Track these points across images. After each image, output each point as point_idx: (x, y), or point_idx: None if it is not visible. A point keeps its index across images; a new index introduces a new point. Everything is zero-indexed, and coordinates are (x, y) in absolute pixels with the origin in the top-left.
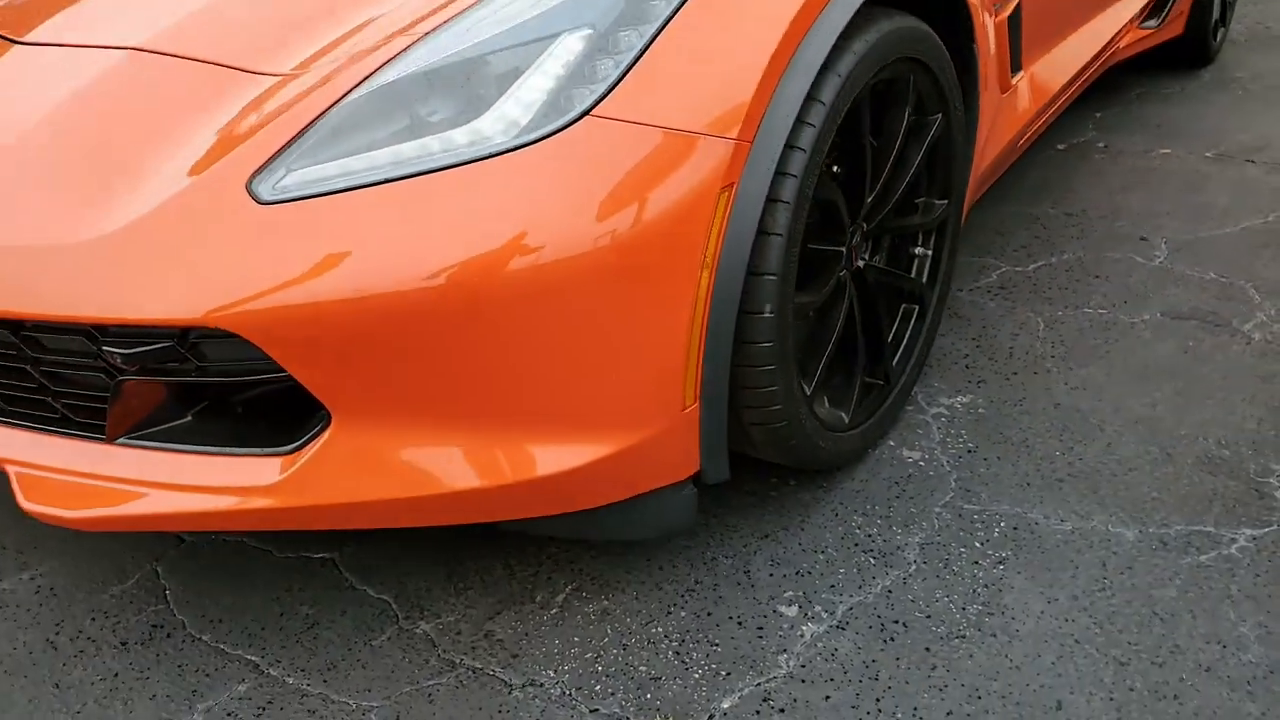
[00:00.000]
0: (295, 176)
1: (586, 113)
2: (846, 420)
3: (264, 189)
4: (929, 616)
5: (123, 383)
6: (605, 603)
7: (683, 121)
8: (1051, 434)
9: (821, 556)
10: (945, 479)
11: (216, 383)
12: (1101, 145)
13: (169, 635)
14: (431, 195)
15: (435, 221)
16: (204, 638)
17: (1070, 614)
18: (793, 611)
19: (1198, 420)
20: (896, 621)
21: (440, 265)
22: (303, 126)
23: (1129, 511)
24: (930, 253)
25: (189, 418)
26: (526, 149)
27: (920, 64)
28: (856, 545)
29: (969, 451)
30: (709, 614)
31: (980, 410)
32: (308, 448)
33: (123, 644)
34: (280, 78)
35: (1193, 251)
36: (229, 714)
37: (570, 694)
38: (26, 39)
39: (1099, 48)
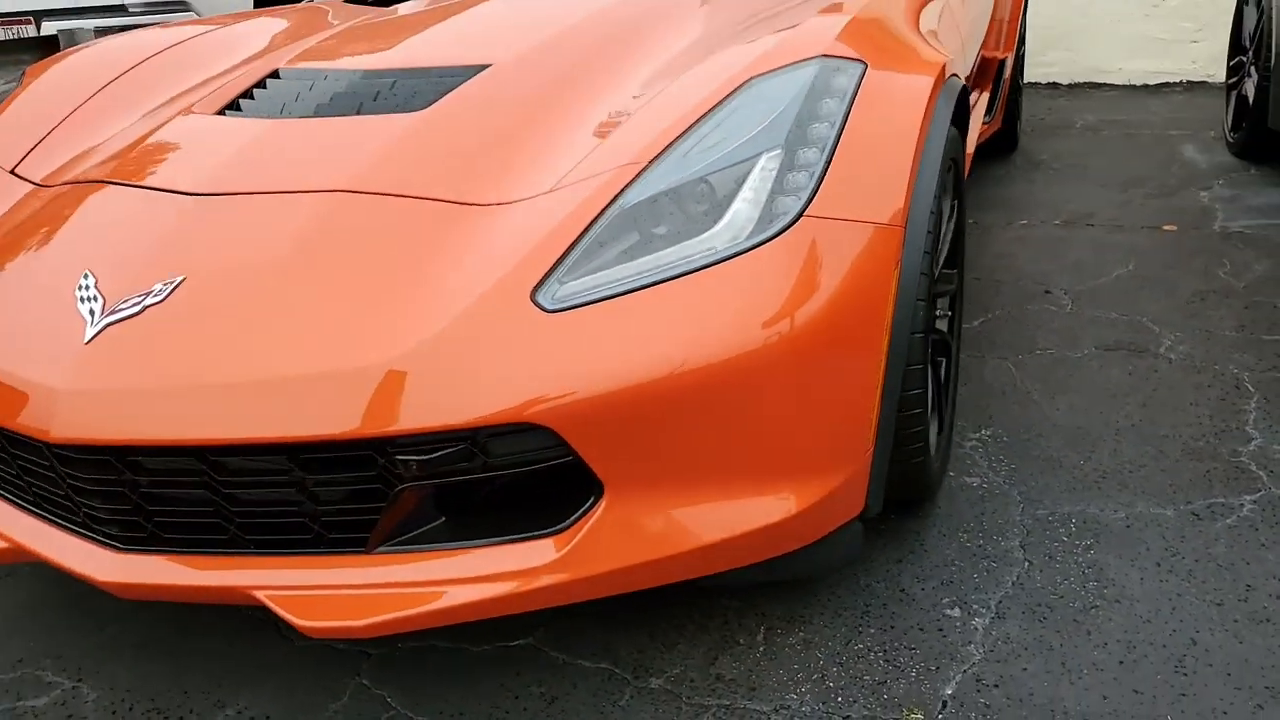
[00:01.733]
0: (569, 288)
1: (800, 214)
2: (934, 454)
3: (546, 300)
4: (1061, 597)
5: (402, 491)
6: (802, 634)
7: (868, 215)
8: (1067, 448)
9: (953, 568)
10: (1009, 494)
11: (486, 479)
12: (971, 222)
13: None
14: (687, 294)
15: (692, 315)
16: None
17: (1161, 576)
18: (957, 613)
19: (1169, 423)
20: (1040, 604)
21: (698, 350)
22: (567, 245)
23: (1157, 497)
24: (950, 313)
25: (442, 519)
26: (761, 248)
27: (956, 162)
28: (973, 555)
29: (1014, 470)
30: (893, 626)
31: (1004, 439)
32: (580, 524)
33: None
34: (498, 205)
35: (1090, 298)
36: None
37: (819, 708)
38: (200, 191)
39: (974, 145)
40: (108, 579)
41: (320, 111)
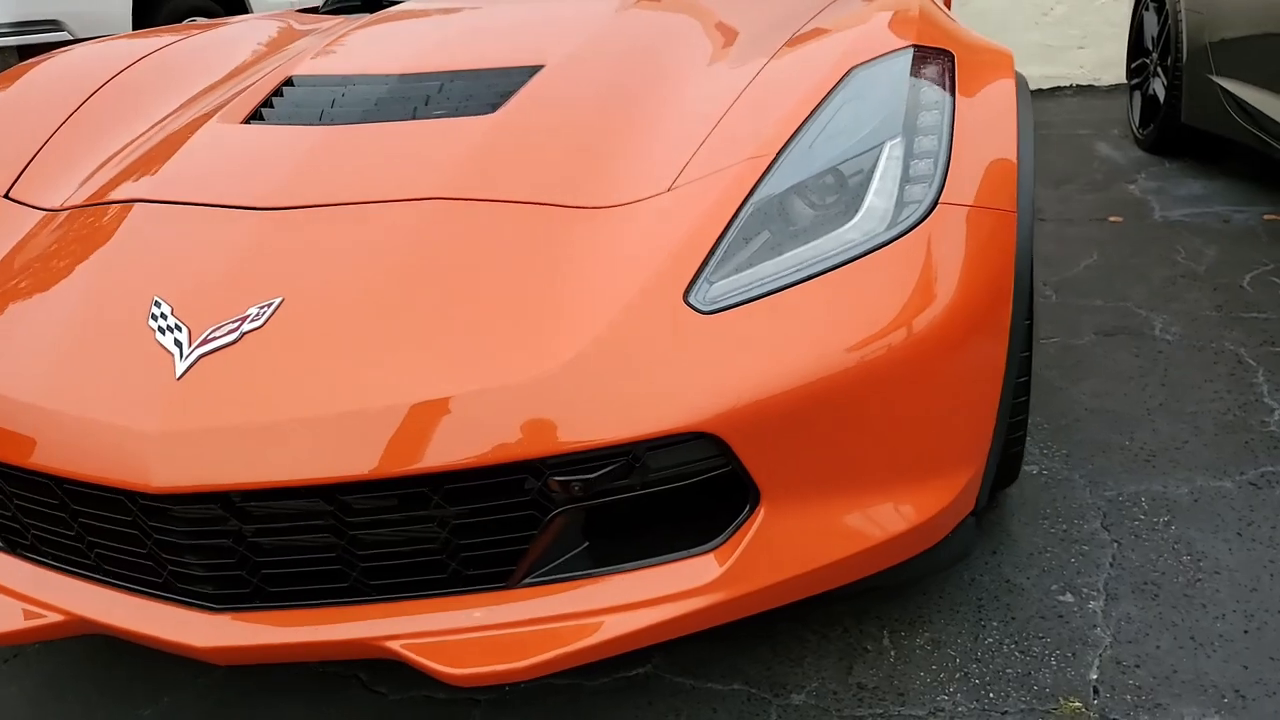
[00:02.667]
0: (718, 288)
1: (935, 203)
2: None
3: (699, 301)
4: (1162, 574)
5: (555, 516)
6: (927, 634)
7: (990, 201)
8: (1109, 431)
9: (1048, 555)
10: (1072, 479)
11: (635, 497)
12: None
13: None
14: (836, 289)
15: (844, 310)
16: None
17: (1247, 545)
18: (1070, 598)
19: (1192, 400)
20: (1145, 583)
21: (853, 345)
22: (711, 244)
23: (1212, 470)
24: None
25: (585, 544)
26: (902, 239)
27: None
28: (1062, 539)
29: (1068, 456)
30: (1013, 618)
31: (1045, 426)
32: (739, 537)
33: None
34: (614, 208)
35: (1071, 288)
36: None
37: (974, 707)
38: (272, 204)
39: None
40: (208, 644)
41: (370, 117)
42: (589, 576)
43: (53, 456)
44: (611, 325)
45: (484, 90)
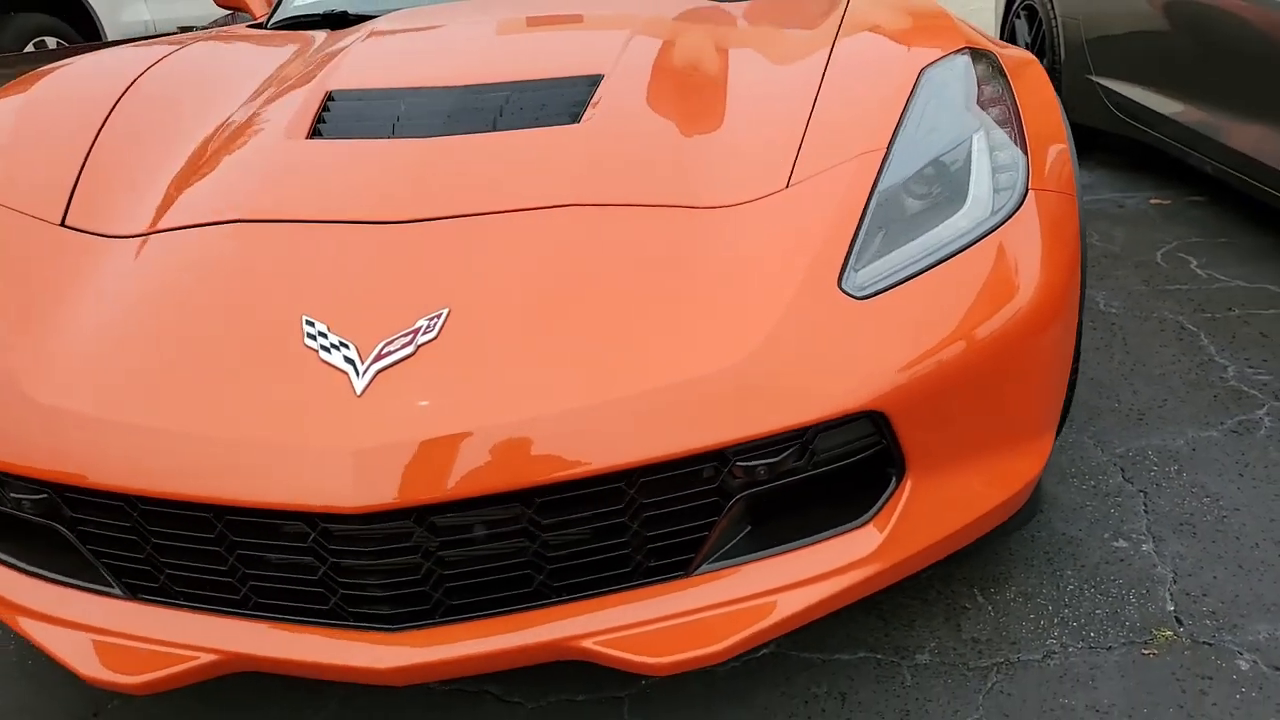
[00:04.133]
0: (863, 275)
1: (1026, 189)
2: None
3: (851, 288)
4: (1191, 514)
5: (737, 502)
6: (1014, 588)
7: (1061, 185)
8: (1095, 396)
9: (1089, 508)
10: (1081, 440)
11: (806, 478)
12: None
13: None
14: (963, 272)
15: (972, 290)
16: None
17: (1250, 484)
18: (1123, 544)
19: (1156, 364)
20: (1181, 523)
21: (984, 322)
22: (851, 235)
23: (1196, 423)
24: None
25: (748, 527)
26: (1007, 223)
27: None
28: (1095, 494)
29: (1070, 420)
30: (1083, 566)
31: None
32: (890, 508)
33: None
34: (738, 206)
35: None
36: None
37: (1082, 646)
38: (402, 218)
39: None
40: (392, 665)
41: (451, 129)
42: (756, 558)
43: (219, 486)
44: (781, 316)
45: (554, 100)
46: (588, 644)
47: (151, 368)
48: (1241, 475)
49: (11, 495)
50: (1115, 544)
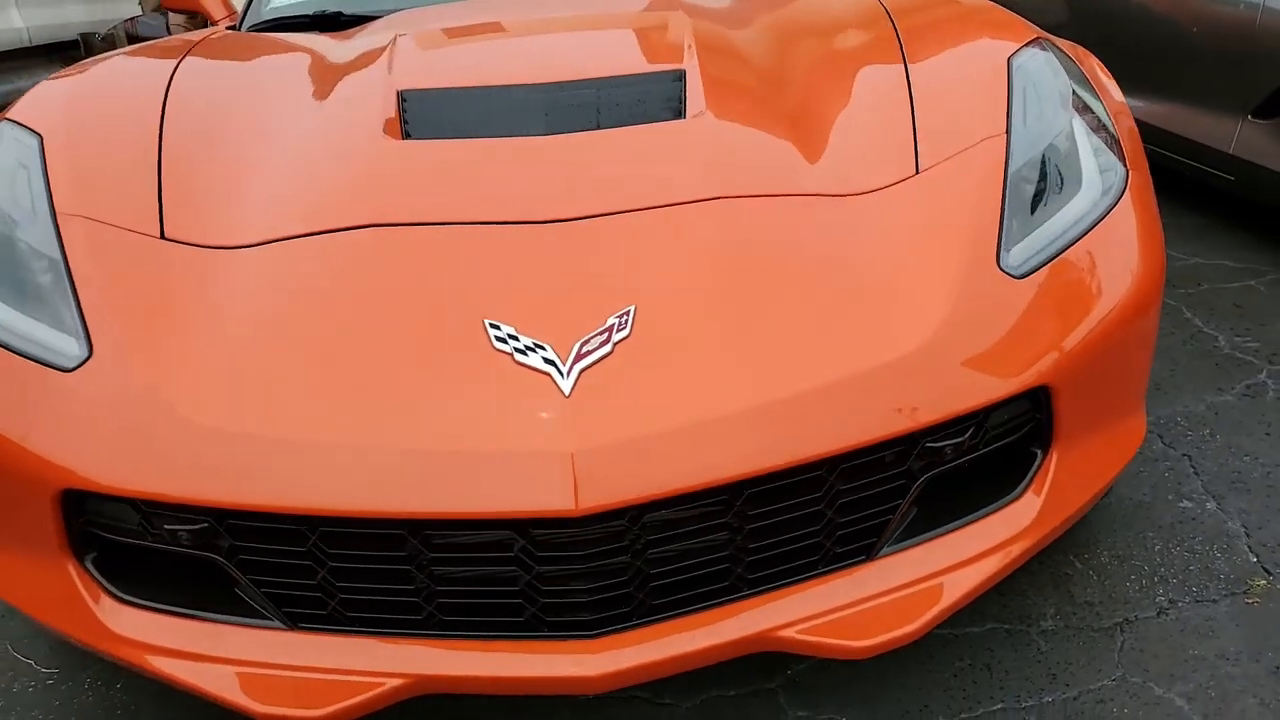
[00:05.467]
0: (1014, 254)
1: (1126, 170)
2: None
3: (1009, 268)
4: (1238, 472)
5: (921, 484)
6: (1107, 553)
7: (1139, 164)
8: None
9: (1145, 473)
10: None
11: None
12: None
13: None
14: (1094, 248)
15: (1105, 264)
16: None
17: (1278, 441)
18: (1189, 504)
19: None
20: (1234, 482)
21: (1121, 293)
22: (997, 217)
23: (1210, 390)
24: None
25: (915, 510)
26: (1120, 202)
27: None
28: (1146, 460)
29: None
30: (1161, 527)
31: None
32: (1040, 479)
33: None
34: (875, 192)
35: None
36: None
37: (1188, 599)
38: (555, 217)
39: None
40: (597, 672)
41: (555, 128)
42: (928, 538)
43: (420, 501)
44: (955, 297)
45: (648, 96)
46: (788, 634)
47: (321, 381)
48: (1269, 435)
49: (162, 529)
50: (1182, 505)
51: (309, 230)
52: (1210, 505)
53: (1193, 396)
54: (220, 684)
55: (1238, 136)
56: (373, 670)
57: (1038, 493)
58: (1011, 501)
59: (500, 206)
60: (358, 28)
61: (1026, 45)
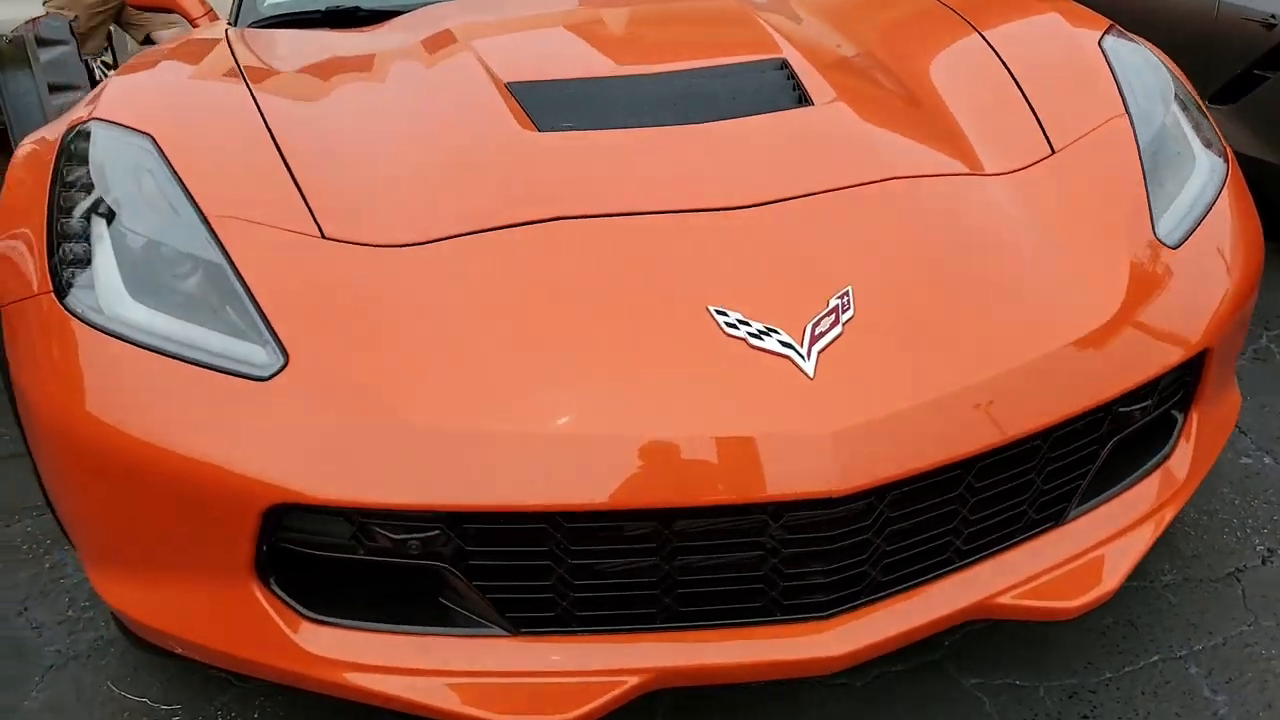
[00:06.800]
0: (1163, 225)
1: (1224, 150)
2: None
3: (1164, 237)
4: None
5: (1109, 449)
6: (1192, 509)
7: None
8: None
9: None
10: None
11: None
12: None
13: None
14: (1221, 217)
15: (1232, 231)
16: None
17: None
18: (1250, 460)
19: None
20: (1278, 437)
21: (1247, 257)
22: (1142, 191)
23: None
24: None
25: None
26: (1229, 177)
27: None
28: None
29: None
30: (1233, 483)
31: None
32: (1184, 437)
33: None
34: (1018, 171)
35: None
36: None
37: (1273, 554)
38: (737, 204)
39: None
40: (839, 652)
41: (687, 117)
42: (1105, 499)
43: (675, 491)
44: (1127, 269)
45: (762, 84)
46: (1004, 600)
47: (549, 374)
48: None
49: (381, 540)
50: (1242, 461)
51: (487, 225)
52: (1268, 460)
53: None
54: (441, 697)
55: None
56: (610, 669)
57: (1186, 452)
58: (1164, 461)
59: (676, 195)
60: (382, 23)
61: (1109, 30)
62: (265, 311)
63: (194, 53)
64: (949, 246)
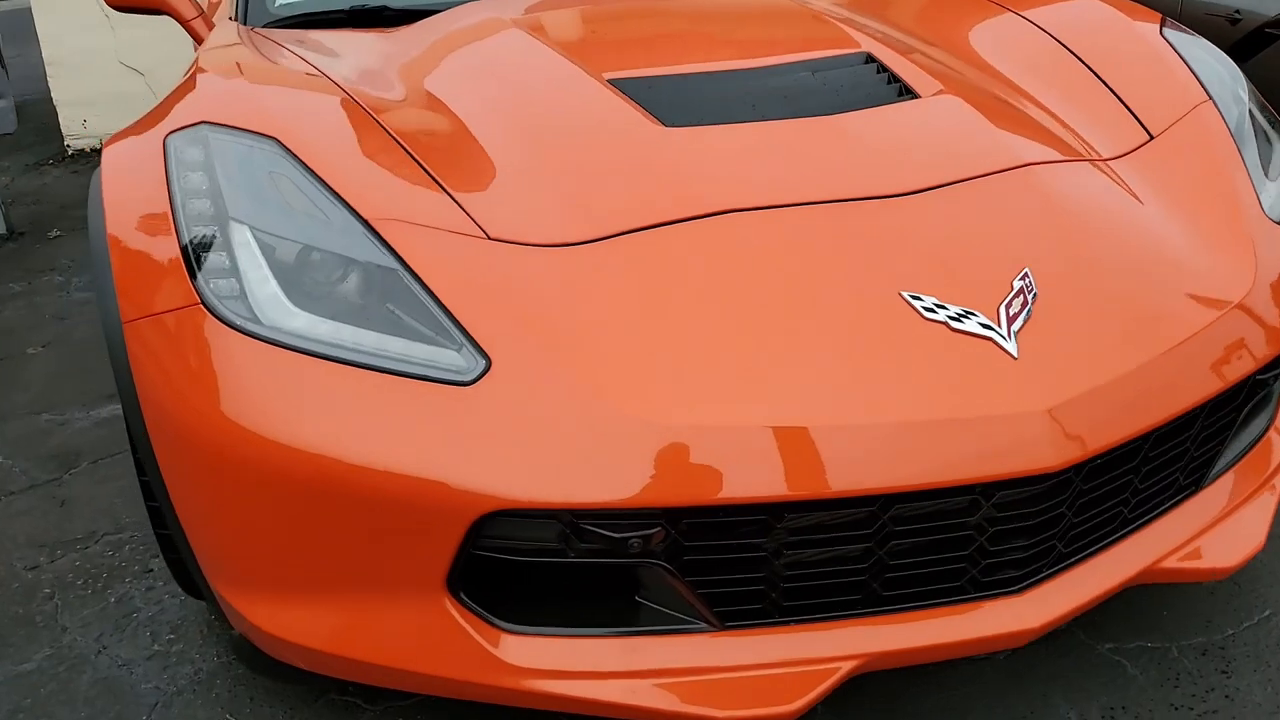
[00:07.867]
0: (1266, 202)
1: None
2: None
3: (1269, 213)
4: None
5: (1244, 417)
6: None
7: None
8: None
9: None
10: None
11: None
12: None
13: None
14: None
15: None
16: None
17: None
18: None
19: None
20: None
21: None
22: (1245, 174)
23: None
24: None
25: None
26: None
27: None
28: None
29: None
30: None
31: None
32: None
33: None
34: (1125, 156)
35: None
36: None
37: None
38: (894, 192)
39: None
40: (1038, 623)
41: (804, 111)
42: (1228, 467)
43: (893, 475)
44: (1249, 244)
45: (859, 78)
46: (1170, 564)
47: (757, 366)
48: None
49: (598, 541)
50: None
51: (652, 222)
52: None
53: None
54: (661, 698)
55: None
56: (824, 657)
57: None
58: (1263, 435)
59: (829, 186)
60: (412, 23)
61: (1163, 23)
62: (455, 315)
63: (244, 60)
64: (1097, 226)
